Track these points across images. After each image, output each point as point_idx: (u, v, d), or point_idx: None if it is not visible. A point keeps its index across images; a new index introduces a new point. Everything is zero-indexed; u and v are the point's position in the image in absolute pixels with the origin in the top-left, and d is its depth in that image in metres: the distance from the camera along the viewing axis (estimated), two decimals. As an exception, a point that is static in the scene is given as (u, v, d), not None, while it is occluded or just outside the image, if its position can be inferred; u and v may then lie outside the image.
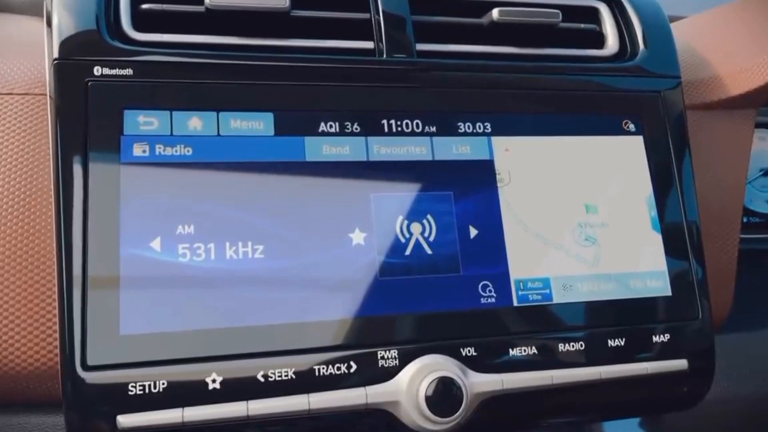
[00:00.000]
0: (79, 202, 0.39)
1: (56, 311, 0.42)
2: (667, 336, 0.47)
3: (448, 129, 0.47)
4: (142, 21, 0.45)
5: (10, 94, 0.46)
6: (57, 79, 0.41)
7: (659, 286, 0.48)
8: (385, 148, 0.45)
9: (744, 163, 0.58)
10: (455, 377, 0.41)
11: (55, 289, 0.42)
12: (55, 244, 0.40)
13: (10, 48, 0.49)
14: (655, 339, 0.46)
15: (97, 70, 0.42)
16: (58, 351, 0.42)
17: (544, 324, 0.45)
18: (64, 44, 0.42)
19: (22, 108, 0.45)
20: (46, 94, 0.46)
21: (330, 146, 0.44)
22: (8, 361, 0.42)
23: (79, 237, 0.39)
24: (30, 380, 0.43)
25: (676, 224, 0.49)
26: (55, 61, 0.41)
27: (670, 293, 0.48)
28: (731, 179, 0.57)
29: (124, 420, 0.37)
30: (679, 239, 0.49)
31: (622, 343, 0.45)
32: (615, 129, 0.50)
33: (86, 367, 0.37)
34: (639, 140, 0.51)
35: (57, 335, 0.42)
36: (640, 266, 0.48)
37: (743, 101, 0.57)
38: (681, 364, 0.46)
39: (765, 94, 0.56)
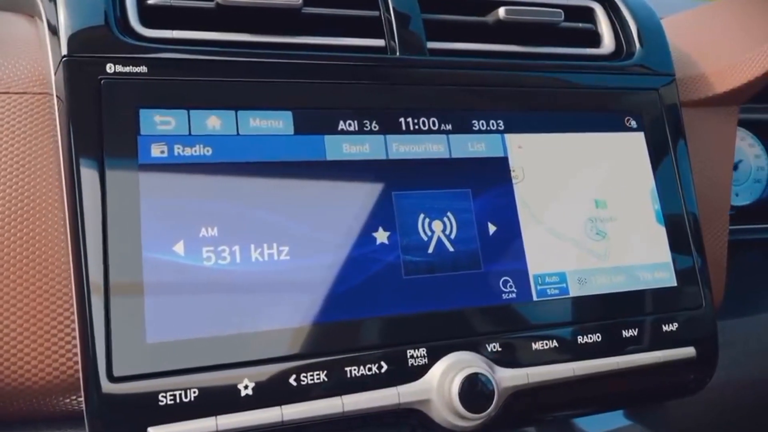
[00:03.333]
0: (97, 206, 0.38)
1: (66, 321, 0.40)
2: (675, 325, 0.48)
3: (463, 127, 0.47)
4: (147, 17, 0.44)
5: (7, 93, 0.43)
6: (67, 78, 0.39)
7: (665, 276, 0.49)
8: (403, 147, 0.45)
9: (729, 158, 0.60)
10: (486, 373, 0.41)
11: (64, 297, 0.40)
12: (70, 251, 0.38)
13: (1, 46, 0.46)
14: (665, 328, 0.48)
15: (110, 68, 0.40)
16: (71, 363, 0.40)
17: (562, 317, 0.46)
18: (74, 41, 0.40)
19: (20, 108, 0.43)
20: (46, 93, 0.43)
21: (350, 145, 0.44)
22: (18, 376, 0.40)
23: (98, 242, 0.37)
24: (38, 395, 0.41)
25: (677, 216, 0.51)
26: (65, 59, 0.39)
27: (675, 283, 0.49)
28: (718, 174, 0.60)
29: (156, 432, 0.35)
30: (681, 231, 0.51)
31: (635, 333, 0.47)
32: (618, 126, 0.52)
33: (113, 379, 0.36)
34: (640, 136, 0.52)
35: (68, 346, 0.40)
36: (647, 258, 0.49)
37: (728, 98, 0.60)
38: (689, 351, 0.48)
39: (750, 90, 0.58)
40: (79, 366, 0.37)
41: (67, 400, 0.41)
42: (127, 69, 0.40)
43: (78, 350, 0.37)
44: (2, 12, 0.52)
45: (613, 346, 0.46)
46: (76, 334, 0.38)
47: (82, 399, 0.37)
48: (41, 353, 0.40)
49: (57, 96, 0.40)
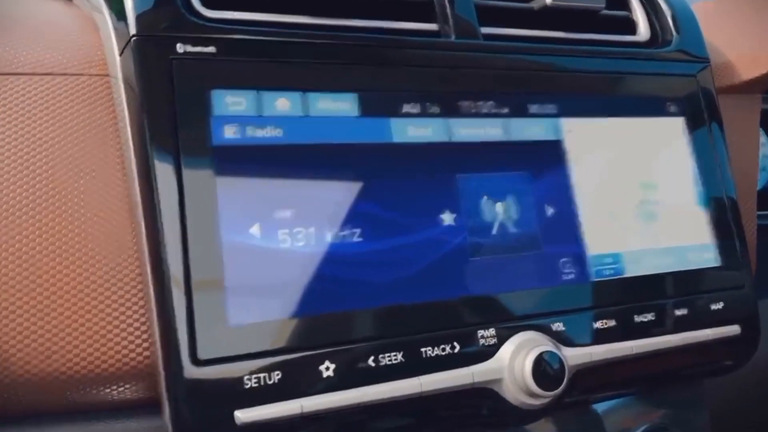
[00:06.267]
0: (173, 188, 0.37)
1: (134, 307, 0.39)
2: (722, 304, 0.50)
3: (519, 110, 0.47)
4: None
5: (64, 74, 0.42)
6: (137, 58, 0.38)
7: (710, 257, 0.51)
8: (464, 130, 0.45)
9: (755, 144, 0.62)
10: (556, 351, 0.41)
11: (132, 282, 0.39)
12: (145, 234, 0.37)
13: (48, 27, 0.45)
14: (713, 307, 0.49)
15: (180, 48, 0.39)
16: (140, 351, 0.39)
17: (618, 297, 0.46)
18: (143, 20, 0.39)
19: (77, 90, 0.42)
20: (104, 75, 0.42)
21: (414, 128, 0.44)
22: (87, 363, 0.39)
23: (176, 225, 0.36)
24: (104, 383, 0.40)
25: (718, 199, 0.52)
26: (134, 38, 0.38)
27: (720, 264, 0.51)
28: (745, 159, 0.61)
29: (242, 415, 0.35)
30: (722, 213, 0.52)
31: (686, 312, 0.48)
32: (660, 111, 0.53)
33: (197, 362, 0.35)
34: (680, 121, 0.53)
35: (136, 332, 0.39)
36: (693, 239, 0.50)
37: (753, 85, 0.61)
38: (734, 329, 0.49)
39: (777, 78, 0.60)
40: (158, 351, 0.36)
41: (134, 388, 0.41)
42: (197, 49, 0.39)
43: (155, 335, 0.36)
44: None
45: (666, 324, 0.47)
46: (150, 319, 0.37)
47: (160, 384, 0.37)
48: (110, 339, 0.39)
49: (123, 77, 0.39)
